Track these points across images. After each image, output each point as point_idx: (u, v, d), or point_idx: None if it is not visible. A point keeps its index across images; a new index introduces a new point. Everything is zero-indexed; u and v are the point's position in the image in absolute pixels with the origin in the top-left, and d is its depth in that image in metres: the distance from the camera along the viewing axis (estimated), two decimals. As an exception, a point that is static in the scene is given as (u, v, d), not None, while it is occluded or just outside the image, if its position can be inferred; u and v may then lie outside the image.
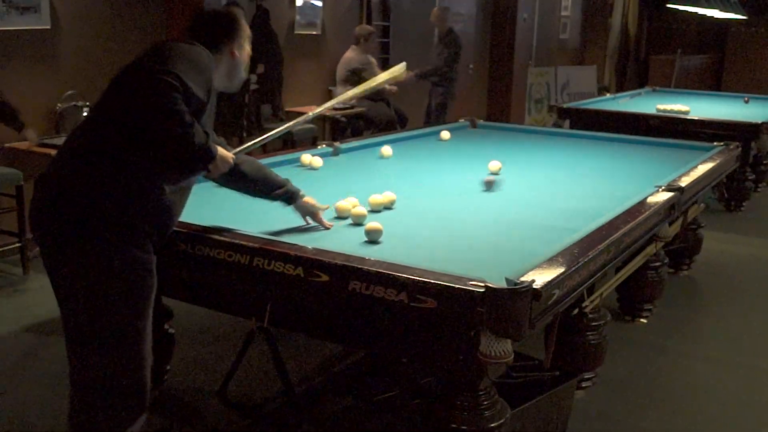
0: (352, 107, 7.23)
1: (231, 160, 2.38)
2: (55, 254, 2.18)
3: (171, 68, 2.07)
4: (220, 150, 2.30)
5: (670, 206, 3.29)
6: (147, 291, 2.22)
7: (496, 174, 3.74)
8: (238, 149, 2.52)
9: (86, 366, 2.21)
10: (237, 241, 2.36)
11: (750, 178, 6.80)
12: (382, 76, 3.11)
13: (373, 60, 7.49)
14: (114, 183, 2.13)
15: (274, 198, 2.67)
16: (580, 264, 2.32)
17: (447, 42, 7.55)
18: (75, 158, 2.19)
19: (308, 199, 2.70)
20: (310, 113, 2.96)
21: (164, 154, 2.16)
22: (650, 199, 3.21)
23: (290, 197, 2.68)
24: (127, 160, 2.14)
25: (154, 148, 2.14)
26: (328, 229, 2.68)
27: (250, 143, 2.68)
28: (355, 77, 7.17)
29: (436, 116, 7.42)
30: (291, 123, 2.85)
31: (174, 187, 2.24)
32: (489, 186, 3.53)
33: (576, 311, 3.03)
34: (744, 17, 9.64)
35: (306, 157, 3.81)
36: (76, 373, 2.24)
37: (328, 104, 3.03)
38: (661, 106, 6.93)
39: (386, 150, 4.25)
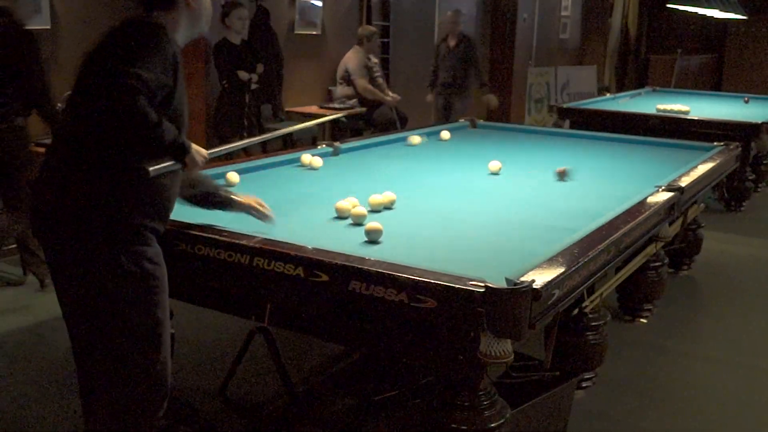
0: (352, 107, 7.25)
1: (206, 155, 2.34)
2: (60, 263, 2.19)
3: (130, 66, 2.02)
4: (194, 146, 2.27)
5: (670, 206, 3.29)
6: (160, 282, 2.23)
7: (496, 173, 3.75)
8: (214, 150, 2.49)
9: (106, 368, 2.21)
10: (237, 241, 2.36)
11: (750, 178, 6.80)
12: (336, 115, 3.31)
13: (375, 60, 7.50)
14: (102, 184, 2.12)
15: (207, 200, 2.60)
16: (580, 264, 2.32)
17: (471, 45, 7.66)
18: (61, 163, 2.18)
19: (241, 198, 2.63)
20: (281, 131, 2.95)
21: (139, 152, 2.14)
22: (650, 199, 3.21)
23: (224, 198, 2.61)
24: (108, 160, 2.12)
25: (128, 147, 2.12)
26: (271, 218, 2.61)
27: (226, 146, 2.66)
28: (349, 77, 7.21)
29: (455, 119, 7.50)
30: (265, 136, 2.83)
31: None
32: (562, 176, 3.60)
33: (576, 311, 3.03)
34: (744, 17, 9.62)
35: (306, 157, 3.81)
36: (91, 378, 2.24)
37: (295, 128, 2.99)
38: (661, 106, 6.93)
39: (414, 138, 4.57)
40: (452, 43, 7.55)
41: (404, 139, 4.73)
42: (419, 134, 4.76)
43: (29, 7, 4.43)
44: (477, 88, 7.74)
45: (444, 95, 7.58)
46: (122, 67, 2.02)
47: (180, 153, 2.19)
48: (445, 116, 7.39)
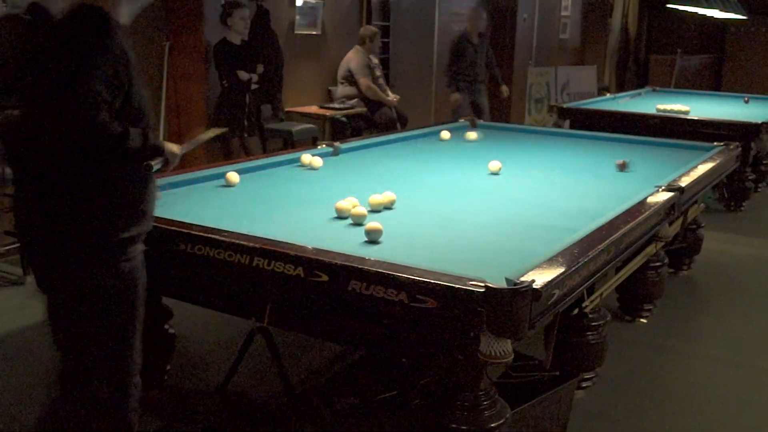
0: (352, 107, 7.25)
1: (179, 150, 2.31)
2: (45, 280, 2.18)
3: (82, 82, 1.93)
4: (167, 143, 2.24)
5: (670, 206, 3.29)
6: (138, 297, 2.21)
7: (496, 173, 3.76)
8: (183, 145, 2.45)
9: (78, 368, 2.22)
10: (237, 241, 2.36)
11: (750, 178, 6.80)
12: (208, 134, 2.99)
13: (376, 60, 7.50)
14: (79, 202, 2.07)
15: None
16: (580, 264, 2.32)
17: (487, 41, 8.01)
18: (34, 181, 2.12)
19: None
20: (200, 137, 2.83)
21: (112, 165, 2.09)
22: (650, 199, 3.21)
23: None
24: (80, 176, 2.06)
25: (99, 163, 2.07)
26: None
27: (191, 141, 2.61)
28: (352, 78, 7.21)
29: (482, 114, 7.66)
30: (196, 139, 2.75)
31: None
32: (623, 168, 3.83)
33: (576, 311, 3.03)
34: (744, 17, 9.62)
35: (306, 157, 3.81)
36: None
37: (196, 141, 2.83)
38: (661, 106, 6.93)
39: (471, 134, 4.87)
40: (475, 40, 7.69)
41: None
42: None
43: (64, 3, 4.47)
44: (495, 81, 8.07)
45: (471, 93, 7.68)
46: (74, 84, 1.93)
47: (155, 154, 2.15)
48: (476, 114, 7.51)
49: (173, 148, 2.25)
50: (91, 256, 2.09)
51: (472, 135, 4.91)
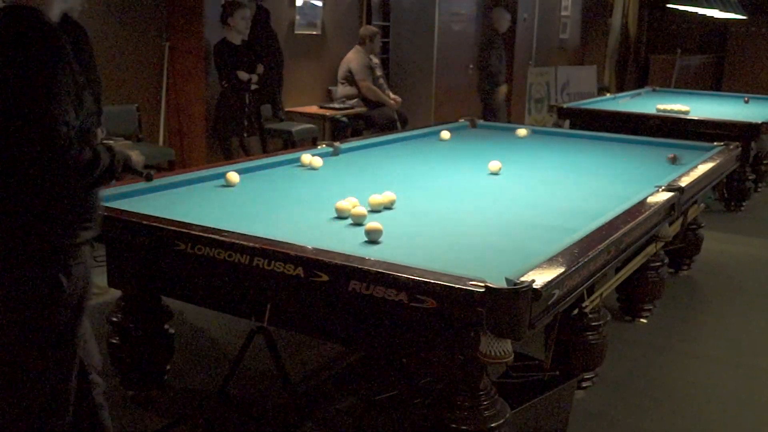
0: (352, 107, 7.25)
1: (140, 156, 2.29)
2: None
3: (47, 109, 1.86)
4: (128, 151, 2.22)
5: (670, 206, 3.29)
6: (86, 300, 2.16)
7: (496, 173, 3.77)
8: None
9: (8, 379, 2.13)
10: (237, 241, 2.36)
11: (750, 178, 6.81)
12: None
13: (377, 60, 7.51)
14: (29, 211, 2.02)
15: None
16: (580, 264, 2.32)
17: None
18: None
19: None
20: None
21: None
22: (650, 199, 3.21)
23: None
24: (30, 186, 2.00)
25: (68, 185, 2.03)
26: None
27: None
28: (353, 78, 7.22)
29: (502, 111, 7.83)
30: None
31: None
32: (674, 161, 4.05)
33: (576, 311, 3.03)
34: (744, 17, 9.63)
35: (306, 157, 3.81)
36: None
37: None
38: (661, 106, 6.93)
39: (521, 131, 5.10)
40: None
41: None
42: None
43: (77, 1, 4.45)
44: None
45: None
46: (41, 113, 1.85)
47: (127, 165, 2.15)
48: (492, 112, 7.65)
49: (133, 154, 2.23)
50: (43, 261, 2.04)
51: (522, 131, 5.09)
